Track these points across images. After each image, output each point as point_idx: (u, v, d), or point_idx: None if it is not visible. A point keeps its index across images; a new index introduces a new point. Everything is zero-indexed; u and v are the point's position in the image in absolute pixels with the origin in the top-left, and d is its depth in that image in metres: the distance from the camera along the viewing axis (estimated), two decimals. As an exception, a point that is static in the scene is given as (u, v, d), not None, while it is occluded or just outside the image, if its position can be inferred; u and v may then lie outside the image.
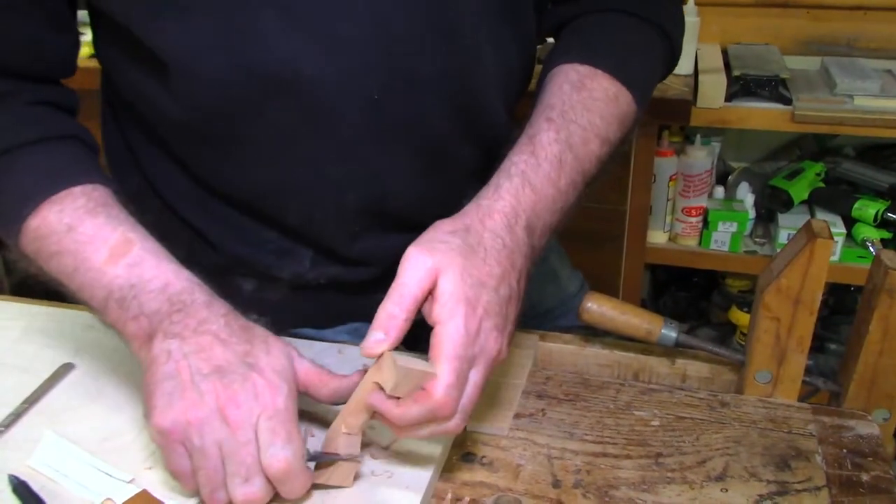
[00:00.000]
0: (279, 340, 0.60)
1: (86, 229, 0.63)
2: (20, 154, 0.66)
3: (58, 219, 0.63)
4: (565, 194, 0.66)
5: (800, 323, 0.68)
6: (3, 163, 0.66)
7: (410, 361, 0.55)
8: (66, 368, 0.75)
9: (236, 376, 0.56)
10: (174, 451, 0.56)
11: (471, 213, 0.62)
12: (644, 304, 1.99)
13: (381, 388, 0.55)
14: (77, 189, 0.64)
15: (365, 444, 0.64)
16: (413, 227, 0.77)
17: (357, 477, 0.60)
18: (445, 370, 0.54)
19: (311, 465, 0.59)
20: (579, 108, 0.68)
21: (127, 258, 0.61)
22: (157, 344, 0.58)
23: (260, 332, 0.60)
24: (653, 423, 0.68)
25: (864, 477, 0.62)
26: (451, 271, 0.56)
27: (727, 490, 0.61)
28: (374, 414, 0.57)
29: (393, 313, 0.56)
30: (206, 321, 0.58)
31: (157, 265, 0.62)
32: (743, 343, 1.84)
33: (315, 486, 0.59)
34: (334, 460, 0.59)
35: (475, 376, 0.57)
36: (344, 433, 0.59)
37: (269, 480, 0.55)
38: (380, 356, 0.56)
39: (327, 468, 0.59)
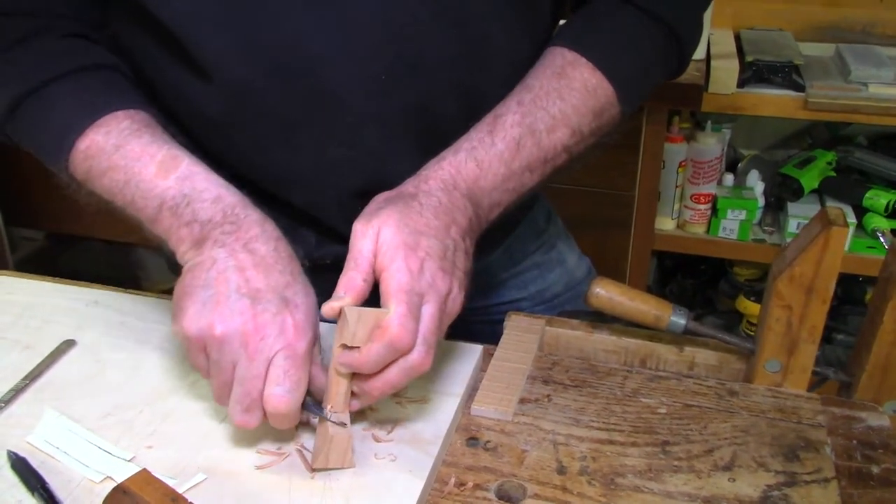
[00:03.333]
0: (312, 288, 0.61)
1: (133, 147, 0.64)
2: (63, 83, 0.68)
3: (105, 140, 0.65)
4: (519, 176, 0.67)
5: (812, 312, 0.67)
6: (45, 94, 0.67)
7: (364, 309, 0.57)
8: (68, 345, 0.74)
9: (270, 306, 0.57)
10: (194, 353, 0.59)
11: (408, 182, 0.64)
12: (650, 291, 1.97)
13: (346, 347, 0.57)
14: (120, 113, 0.66)
15: (367, 428, 0.63)
16: None
17: (353, 452, 0.60)
18: (394, 302, 0.56)
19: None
20: (553, 96, 0.69)
21: (176, 172, 0.63)
22: (206, 250, 0.59)
23: (302, 270, 0.61)
24: (660, 410, 0.67)
25: (875, 469, 0.61)
26: (388, 226, 0.59)
27: (735, 480, 0.60)
28: (353, 379, 0.59)
29: (351, 277, 0.58)
30: (256, 239, 0.60)
31: (208, 178, 0.64)
32: (749, 332, 1.83)
33: (316, 470, 0.59)
34: (324, 438, 0.59)
35: (429, 310, 0.58)
36: (329, 410, 0.59)
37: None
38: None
39: (322, 451, 0.59)
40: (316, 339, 0.60)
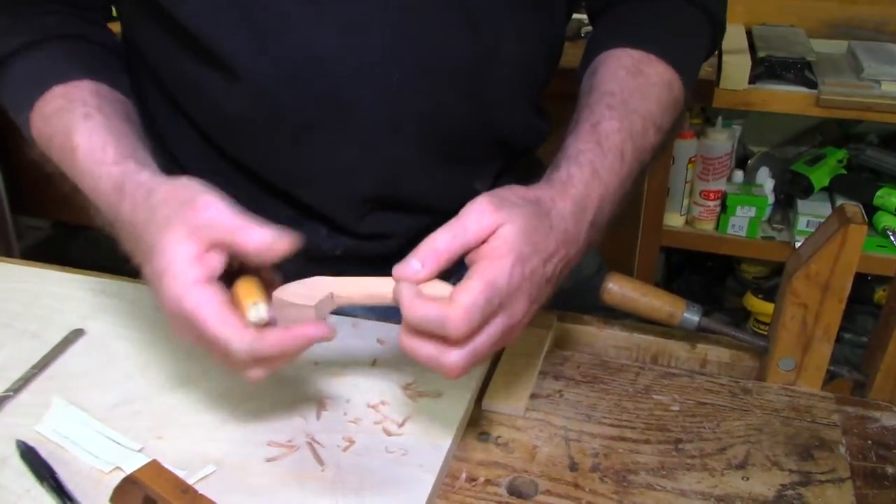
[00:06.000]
0: (172, 225, 0.55)
1: (58, 139, 0.65)
2: (14, 61, 0.69)
3: (43, 127, 0.67)
4: (624, 185, 0.64)
5: (828, 310, 0.66)
6: (4, 71, 0.70)
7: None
8: (76, 334, 0.74)
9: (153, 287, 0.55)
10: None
11: (543, 189, 0.59)
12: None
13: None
14: (58, 89, 0.67)
15: (378, 421, 0.63)
16: (425, 212, 0.76)
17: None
18: (478, 288, 0.51)
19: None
20: (637, 96, 0.66)
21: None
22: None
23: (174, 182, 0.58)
24: (672, 407, 0.66)
25: (890, 469, 0.60)
26: (514, 226, 0.54)
27: (748, 479, 0.59)
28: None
29: (439, 249, 0.53)
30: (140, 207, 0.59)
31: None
32: (757, 329, 1.82)
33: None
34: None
35: (494, 327, 0.53)
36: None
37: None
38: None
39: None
40: (213, 231, 0.54)
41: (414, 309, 0.51)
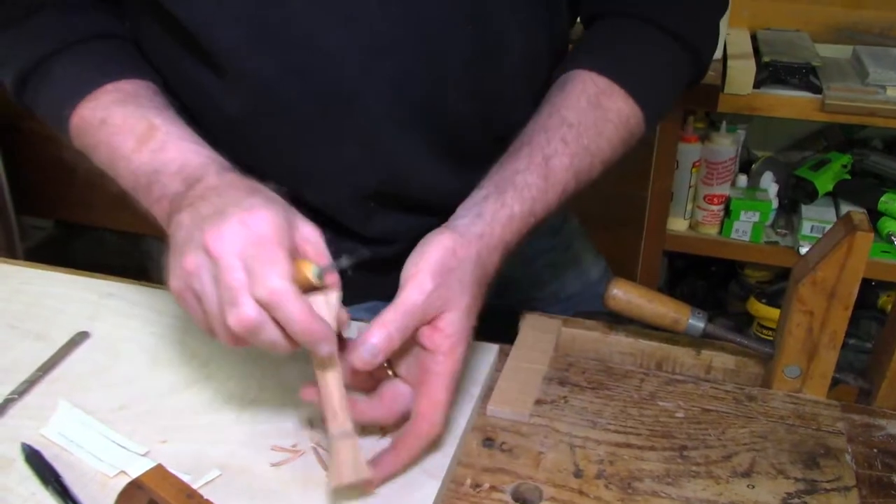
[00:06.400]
0: (283, 202, 0.58)
1: (115, 120, 0.65)
2: (57, 59, 0.68)
3: (92, 114, 0.66)
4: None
5: (834, 317, 0.66)
6: (44, 69, 0.68)
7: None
8: (81, 336, 0.74)
9: (224, 215, 0.54)
10: (188, 306, 0.55)
11: (484, 233, 0.62)
12: (661, 293, 1.96)
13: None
14: (110, 85, 0.67)
15: (382, 427, 0.63)
16: (428, 211, 0.76)
17: (364, 460, 0.56)
18: (441, 390, 0.57)
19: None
20: (592, 132, 0.68)
21: (151, 143, 0.63)
22: (174, 219, 0.58)
23: (266, 190, 0.59)
24: (677, 414, 0.66)
25: (896, 478, 0.60)
26: (457, 310, 0.58)
27: (754, 487, 0.59)
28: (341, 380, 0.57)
29: (392, 335, 0.56)
30: (214, 189, 0.58)
31: (178, 146, 0.63)
32: (760, 334, 1.82)
33: (336, 489, 0.56)
34: (336, 454, 0.56)
35: (452, 386, 0.60)
36: (332, 425, 0.56)
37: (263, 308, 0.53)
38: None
39: (333, 467, 0.56)
40: (280, 224, 0.55)
41: (405, 459, 0.58)
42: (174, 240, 0.57)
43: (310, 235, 0.57)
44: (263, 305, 0.52)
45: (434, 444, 0.60)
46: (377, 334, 0.55)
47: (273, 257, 0.52)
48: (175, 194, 0.60)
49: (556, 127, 0.68)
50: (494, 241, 0.62)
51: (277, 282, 0.51)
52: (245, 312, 0.51)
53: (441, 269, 0.58)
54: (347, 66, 0.65)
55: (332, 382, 0.56)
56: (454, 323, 0.58)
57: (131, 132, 0.64)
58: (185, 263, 0.54)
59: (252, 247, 0.52)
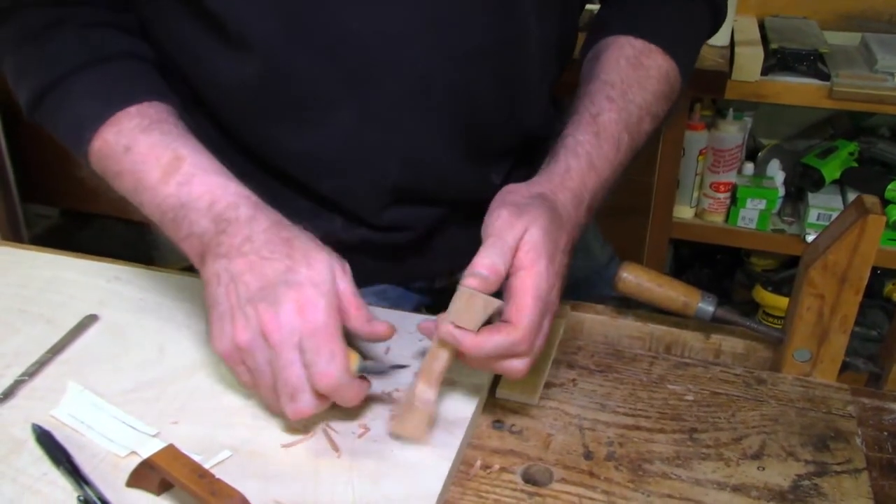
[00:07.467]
0: (322, 251, 0.59)
1: (140, 149, 0.64)
2: (77, 78, 0.67)
3: (115, 140, 0.65)
4: (617, 173, 0.69)
5: (844, 301, 0.66)
6: (62, 88, 0.67)
7: (477, 294, 0.57)
8: (90, 320, 0.74)
9: (277, 297, 0.56)
10: (238, 371, 0.59)
11: (543, 184, 0.64)
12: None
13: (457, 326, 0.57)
14: (133, 108, 0.66)
15: (392, 409, 0.63)
16: (442, 202, 0.76)
17: (431, 425, 0.60)
18: (532, 307, 0.57)
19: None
20: (636, 87, 0.70)
21: (177, 176, 0.63)
22: (208, 265, 0.60)
23: (301, 244, 0.60)
24: (687, 397, 0.66)
25: (906, 461, 0.60)
26: (537, 227, 0.59)
27: (764, 468, 0.59)
28: (456, 355, 0.59)
29: (495, 263, 0.57)
30: (248, 239, 0.59)
31: (205, 181, 0.62)
32: (766, 322, 1.82)
33: (392, 435, 0.60)
34: (408, 406, 0.59)
35: (545, 325, 0.60)
36: (421, 383, 0.59)
37: (320, 394, 0.57)
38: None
39: (401, 417, 0.59)
40: (331, 303, 0.57)
41: (482, 345, 0.57)
42: (211, 290, 0.59)
43: (345, 290, 0.59)
44: (322, 392, 0.57)
45: (520, 357, 0.58)
46: (481, 263, 0.57)
47: (331, 350, 0.56)
48: (204, 232, 0.60)
49: (598, 90, 0.70)
50: (555, 187, 0.64)
51: (336, 376, 0.56)
52: (304, 407, 0.57)
53: (512, 198, 0.61)
54: (372, 50, 0.65)
55: (443, 356, 0.59)
56: (533, 238, 0.58)
57: (157, 162, 0.63)
58: (238, 338, 0.57)
59: (309, 338, 0.56)
